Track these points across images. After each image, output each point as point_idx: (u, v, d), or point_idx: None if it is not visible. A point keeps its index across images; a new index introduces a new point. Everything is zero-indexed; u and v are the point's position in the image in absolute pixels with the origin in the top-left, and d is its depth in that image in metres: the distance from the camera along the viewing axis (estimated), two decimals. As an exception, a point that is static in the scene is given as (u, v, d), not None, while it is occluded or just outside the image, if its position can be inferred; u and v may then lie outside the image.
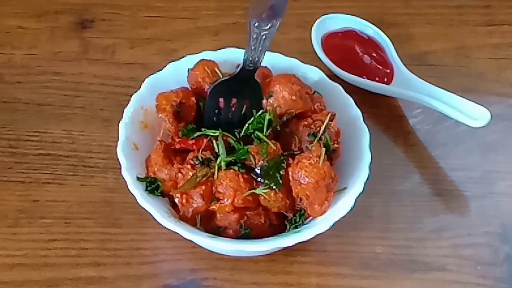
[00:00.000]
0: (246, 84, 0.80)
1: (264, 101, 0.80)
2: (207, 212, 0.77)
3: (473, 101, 0.87)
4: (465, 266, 0.81)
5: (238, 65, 0.80)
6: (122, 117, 0.81)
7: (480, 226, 0.84)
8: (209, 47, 0.87)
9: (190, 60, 0.84)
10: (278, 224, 0.78)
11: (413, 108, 0.93)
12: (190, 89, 0.83)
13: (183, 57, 0.86)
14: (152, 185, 0.77)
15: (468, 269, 0.81)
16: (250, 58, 0.78)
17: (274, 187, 0.75)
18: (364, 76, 0.94)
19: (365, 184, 0.77)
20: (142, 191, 0.76)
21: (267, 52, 0.79)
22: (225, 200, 0.75)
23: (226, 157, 0.76)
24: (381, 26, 0.97)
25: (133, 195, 0.75)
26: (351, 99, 0.84)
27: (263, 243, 0.74)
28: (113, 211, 0.84)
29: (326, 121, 0.78)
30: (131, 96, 0.82)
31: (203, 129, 0.79)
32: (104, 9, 1.03)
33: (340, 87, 0.85)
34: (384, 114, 0.93)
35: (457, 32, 1.02)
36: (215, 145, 0.78)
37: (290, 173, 0.75)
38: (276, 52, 0.86)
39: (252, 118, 0.79)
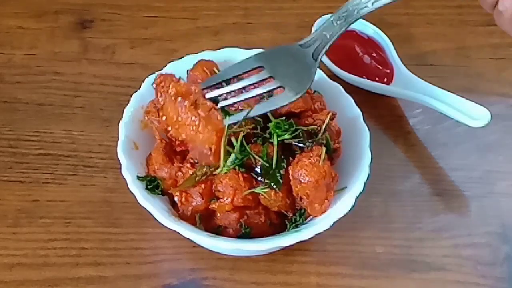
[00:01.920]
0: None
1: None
2: (206, 211, 0.77)
3: (473, 101, 0.87)
4: (465, 266, 0.81)
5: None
6: (122, 117, 0.81)
7: (480, 226, 0.84)
8: (209, 47, 0.87)
9: (190, 60, 0.84)
10: (278, 224, 0.78)
11: (413, 108, 0.93)
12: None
13: (183, 57, 0.86)
14: (152, 184, 0.78)
15: (468, 269, 0.81)
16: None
17: (274, 186, 0.75)
18: (364, 76, 0.94)
19: (365, 183, 0.77)
20: (142, 190, 0.76)
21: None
22: (225, 199, 0.75)
23: (234, 162, 0.76)
24: (381, 26, 0.97)
25: (133, 194, 0.75)
26: (351, 99, 0.84)
27: (263, 242, 0.74)
28: (113, 211, 0.84)
29: (327, 120, 0.78)
30: (131, 96, 0.82)
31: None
32: (104, 9, 1.03)
33: (340, 87, 0.85)
34: (384, 114, 0.93)
35: (457, 32, 1.02)
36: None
37: (290, 172, 0.75)
38: (276, 52, 0.86)
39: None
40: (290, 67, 0.78)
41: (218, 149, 0.75)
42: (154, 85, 0.80)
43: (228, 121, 0.76)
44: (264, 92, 0.78)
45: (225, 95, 0.78)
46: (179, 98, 0.76)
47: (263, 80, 0.78)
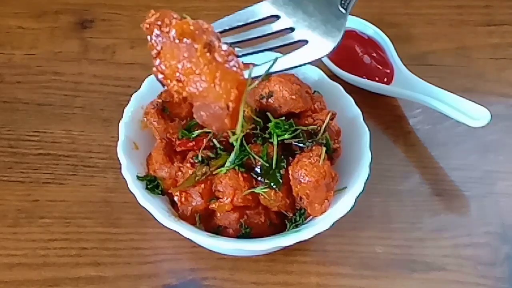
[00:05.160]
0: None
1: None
2: (206, 211, 0.77)
3: (473, 101, 0.87)
4: (465, 266, 0.81)
5: None
6: (122, 117, 0.81)
7: (480, 226, 0.84)
8: (209, 47, 0.86)
9: (190, 60, 0.84)
10: (278, 224, 0.78)
11: (413, 108, 0.93)
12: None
13: (183, 57, 0.85)
14: (152, 184, 0.78)
15: (468, 269, 0.81)
16: None
17: (274, 186, 0.75)
18: (364, 76, 0.94)
19: (365, 183, 0.77)
20: (142, 190, 0.76)
21: (267, 52, 0.77)
22: (225, 199, 0.75)
23: (234, 162, 0.76)
24: (381, 26, 0.97)
25: (133, 194, 0.75)
26: (351, 98, 0.84)
27: (263, 242, 0.74)
28: (113, 211, 0.84)
29: (327, 120, 0.78)
30: (131, 96, 0.82)
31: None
32: (104, 9, 1.03)
33: (340, 87, 0.85)
34: (384, 114, 0.93)
35: (457, 32, 1.02)
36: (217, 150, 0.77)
37: (290, 172, 0.75)
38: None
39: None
40: (313, 17, 0.66)
41: (237, 108, 0.58)
42: (146, 25, 0.61)
43: (250, 73, 0.60)
44: (284, 45, 0.66)
45: (236, 45, 0.65)
46: (186, 40, 0.58)
47: (282, 31, 0.66)
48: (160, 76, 0.61)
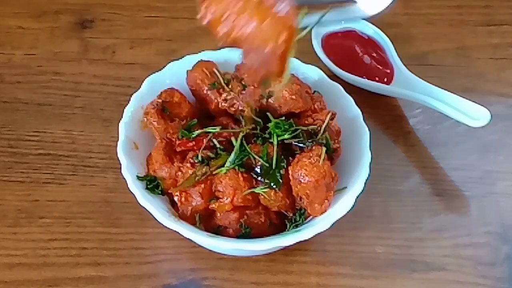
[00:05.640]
0: None
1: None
2: (206, 211, 0.77)
3: (473, 101, 0.87)
4: (465, 266, 0.81)
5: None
6: (122, 117, 0.81)
7: (480, 226, 0.84)
8: (209, 47, 0.86)
9: (190, 60, 0.84)
10: (278, 224, 0.78)
11: (413, 108, 0.93)
12: (190, 90, 0.83)
13: (183, 57, 0.86)
14: (152, 183, 0.78)
15: (468, 269, 0.81)
16: None
17: (274, 186, 0.75)
18: (364, 76, 0.94)
19: (365, 183, 0.77)
20: (142, 190, 0.76)
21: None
22: (225, 198, 0.75)
23: (234, 162, 0.76)
24: (381, 26, 0.97)
25: (133, 194, 0.75)
26: (351, 98, 0.84)
27: (263, 242, 0.74)
28: (113, 211, 0.84)
29: (327, 120, 0.78)
30: (131, 96, 0.82)
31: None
32: (104, 9, 1.03)
33: (340, 87, 0.85)
34: (384, 114, 0.93)
35: (457, 32, 1.02)
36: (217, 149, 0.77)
37: (290, 172, 0.75)
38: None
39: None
40: None
41: (285, 54, 0.57)
42: None
43: (301, 19, 0.59)
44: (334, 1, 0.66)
45: None
46: None
47: None
48: (206, 21, 0.60)
